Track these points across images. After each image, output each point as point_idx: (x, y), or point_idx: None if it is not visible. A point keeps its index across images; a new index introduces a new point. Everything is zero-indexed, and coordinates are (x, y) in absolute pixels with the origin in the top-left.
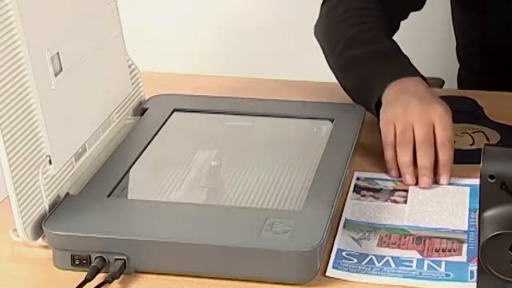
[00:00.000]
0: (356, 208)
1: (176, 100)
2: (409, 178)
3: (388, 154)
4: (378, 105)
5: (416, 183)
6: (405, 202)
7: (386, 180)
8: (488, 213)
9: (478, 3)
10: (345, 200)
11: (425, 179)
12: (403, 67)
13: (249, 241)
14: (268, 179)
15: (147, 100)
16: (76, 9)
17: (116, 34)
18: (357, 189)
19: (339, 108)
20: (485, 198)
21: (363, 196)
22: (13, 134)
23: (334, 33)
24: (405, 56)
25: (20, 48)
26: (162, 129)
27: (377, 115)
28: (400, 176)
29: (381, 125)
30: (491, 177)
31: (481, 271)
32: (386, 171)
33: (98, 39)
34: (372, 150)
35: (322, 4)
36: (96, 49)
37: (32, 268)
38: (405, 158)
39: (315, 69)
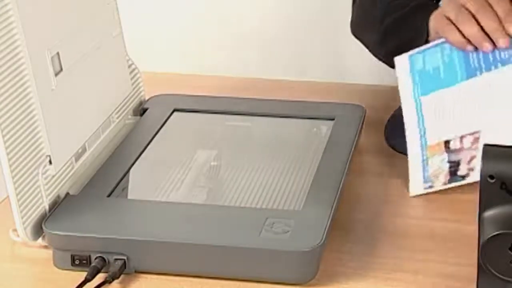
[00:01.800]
0: None
1: (176, 100)
2: (486, 43)
3: (453, 37)
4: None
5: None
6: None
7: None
8: (488, 213)
9: None
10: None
11: (501, 40)
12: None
13: (249, 241)
14: (268, 179)
15: (147, 100)
16: (76, 9)
17: (116, 34)
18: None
19: (339, 108)
20: (485, 198)
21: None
22: (13, 134)
23: (368, 16)
24: None
25: (20, 48)
26: (162, 129)
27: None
28: (475, 47)
29: (433, 24)
30: (491, 177)
31: (481, 271)
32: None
33: (98, 39)
34: (372, 150)
35: (352, 5)
36: (96, 49)
37: (32, 268)
38: (470, 30)
39: (315, 69)
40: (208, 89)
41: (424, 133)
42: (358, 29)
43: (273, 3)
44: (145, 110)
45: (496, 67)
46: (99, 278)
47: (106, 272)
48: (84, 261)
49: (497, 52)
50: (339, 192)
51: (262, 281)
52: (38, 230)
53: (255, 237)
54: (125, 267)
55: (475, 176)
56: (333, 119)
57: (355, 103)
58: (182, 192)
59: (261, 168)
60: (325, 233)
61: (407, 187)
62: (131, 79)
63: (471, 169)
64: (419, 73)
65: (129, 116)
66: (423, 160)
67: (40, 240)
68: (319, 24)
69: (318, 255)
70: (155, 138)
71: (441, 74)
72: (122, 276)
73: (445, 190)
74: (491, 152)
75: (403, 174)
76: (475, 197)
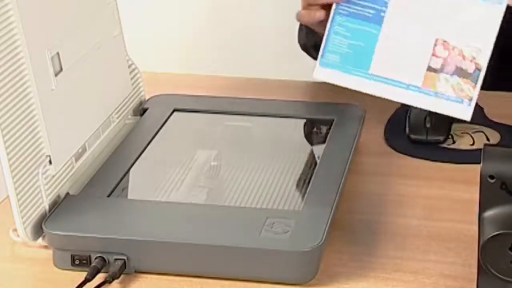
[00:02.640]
0: None
1: (176, 100)
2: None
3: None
4: None
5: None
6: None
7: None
8: (488, 213)
9: None
10: None
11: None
12: None
13: (249, 241)
14: (268, 179)
15: (147, 100)
16: (76, 9)
17: (116, 34)
18: None
19: (339, 108)
20: (485, 198)
21: None
22: (13, 134)
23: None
24: None
25: (20, 48)
26: (162, 129)
27: None
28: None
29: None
30: (491, 177)
31: (481, 271)
32: None
33: (98, 39)
34: (372, 150)
35: None
36: (96, 49)
37: (32, 268)
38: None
39: None
40: (208, 89)
41: (407, 84)
42: (300, 41)
43: (273, 4)
44: (145, 110)
45: None
46: (99, 278)
47: (106, 272)
48: (84, 261)
49: None
50: (339, 192)
51: (262, 281)
52: (38, 230)
53: (255, 237)
54: (125, 267)
55: (482, 58)
56: (333, 119)
57: (355, 103)
58: (182, 192)
59: (261, 168)
60: (325, 233)
61: (407, 186)
62: (131, 79)
63: (472, 59)
64: (343, 62)
65: (129, 116)
66: (436, 94)
67: (40, 240)
68: None
69: (318, 255)
70: (155, 138)
71: (358, 44)
72: (122, 276)
73: (445, 190)
74: (491, 152)
75: (403, 174)
76: (475, 197)
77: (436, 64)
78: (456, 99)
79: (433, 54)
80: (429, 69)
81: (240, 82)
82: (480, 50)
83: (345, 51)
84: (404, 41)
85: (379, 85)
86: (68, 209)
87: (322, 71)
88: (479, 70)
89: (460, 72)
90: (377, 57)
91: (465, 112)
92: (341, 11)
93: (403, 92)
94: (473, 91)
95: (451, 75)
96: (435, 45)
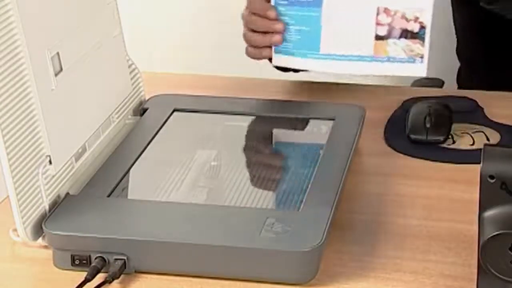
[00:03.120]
0: None
1: (176, 100)
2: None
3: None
4: None
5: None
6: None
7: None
8: (488, 213)
9: None
10: None
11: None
12: None
13: (249, 241)
14: (268, 179)
15: (147, 100)
16: (76, 9)
17: (116, 34)
18: None
19: (339, 108)
20: (485, 198)
21: None
22: (13, 134)
23: None
24: None
25: (20, 48)
26: (162, 129)
27: None
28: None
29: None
30: (491, 177)
31: (481, 271)
32: None
33: (98, 39)
34: (372, 150)
35: None
36: (96, 49)
37: (32, 268)
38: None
39: None
40: (208, 89)
41: (359, 56)
42: None
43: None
44: (145, 110)
45: None
46: (99, 278)
47: (106, 272)
48: (84, 261)
49: None
50: (339, 192)
51: (262, 281)
52: (38, 230)
53: (255, 237)
54: (125, 267)
55: (425, 16)
56: (333, 119)
57: (355, 103)
58: (182, 192)
59: (261, 168)
60: (325, 233)
61: (407, 186)
62: (131, 79)
63: (416, 19)
64: (295, 48)
65: (129, 116)
66: (388, 60)
67: (40, 240)
68: None
69: (318, 255)
70: (155, 138)
71: (304, 29)
72: (122, 276)
73: (445, 190)
74: (491, 152)
75: (403, 174)
76: (475, 197)
77: (382, 31)
78: (408, 59)
79: (377, 23)
80: (377, 37)
81: (240, 82)
82: (422, 9)
83: (293, 37)
84: (347, 17)
85: (334, 63)
86: (68, 209)
87: (279, 58)
88: (424, 28)
89: (407, 33)
90: (324, 37)
91: (419, 70)
92: (280, 1)
93: (357, 64)
94: (423, 48)
95: (399, 38)
96: (377, 13)
